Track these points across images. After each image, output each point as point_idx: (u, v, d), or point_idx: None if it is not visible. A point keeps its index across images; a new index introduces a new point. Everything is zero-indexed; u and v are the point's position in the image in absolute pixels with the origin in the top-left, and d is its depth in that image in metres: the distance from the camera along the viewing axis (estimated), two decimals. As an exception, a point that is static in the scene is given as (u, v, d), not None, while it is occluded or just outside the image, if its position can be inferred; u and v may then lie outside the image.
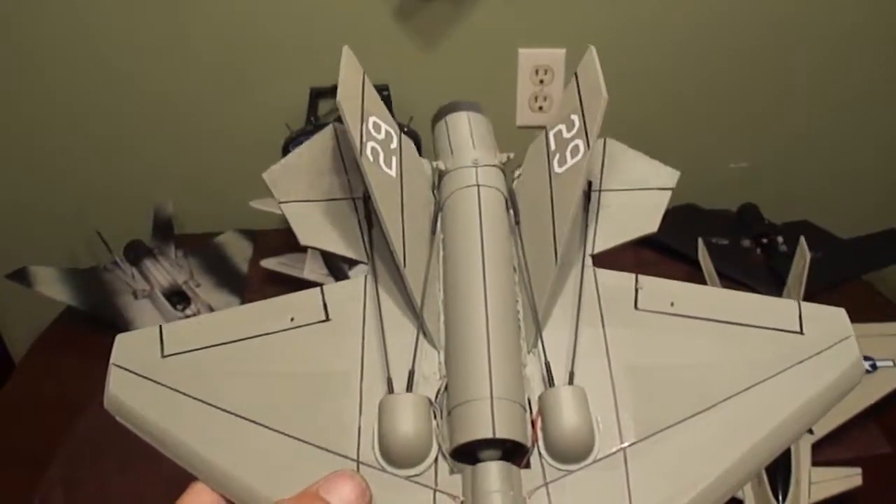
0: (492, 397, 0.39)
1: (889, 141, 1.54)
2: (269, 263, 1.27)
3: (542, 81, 1.39)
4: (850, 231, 1.40)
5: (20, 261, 1.25)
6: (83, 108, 1.39)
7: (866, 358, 1.05)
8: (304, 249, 1.24)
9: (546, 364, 0.43)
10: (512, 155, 0.54)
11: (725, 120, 1.47)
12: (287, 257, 1.27)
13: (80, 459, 1.01)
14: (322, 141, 0.55)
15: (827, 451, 0.95)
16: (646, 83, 1.38)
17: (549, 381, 0.42)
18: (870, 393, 1.00)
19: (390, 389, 0.42)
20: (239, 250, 1.38)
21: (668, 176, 0.54)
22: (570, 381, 0.42)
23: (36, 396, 1.14)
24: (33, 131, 1.42)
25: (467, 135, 0.55)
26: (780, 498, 0.88)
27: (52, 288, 1.23)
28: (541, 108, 1.41)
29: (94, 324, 1.19)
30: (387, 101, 1.28)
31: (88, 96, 1.38)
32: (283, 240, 1.34)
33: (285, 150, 1.35)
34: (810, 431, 0.95)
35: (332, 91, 1.36)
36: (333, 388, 0.42)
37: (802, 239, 1.15)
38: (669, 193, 0.53)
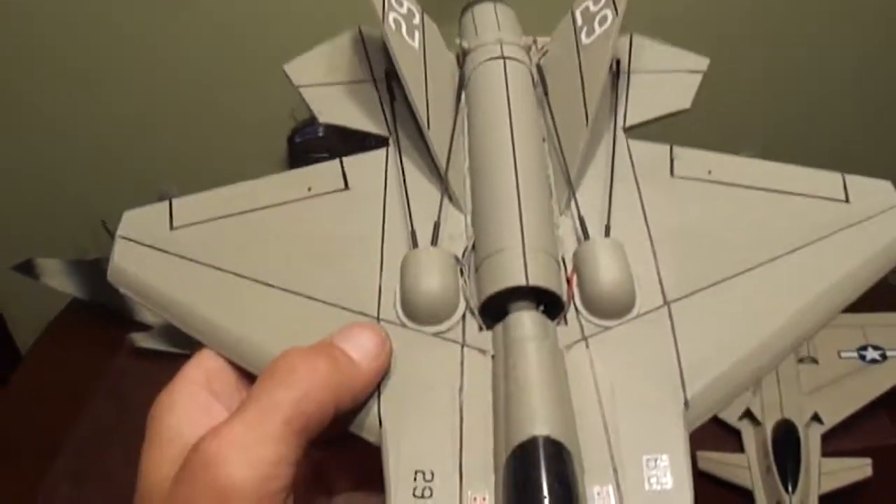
0: (524, 246, 0.37)
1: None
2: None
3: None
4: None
5: (26, 252, 1.24)
6: (87, 98, 1.39)
7: (876, 348, 1.04)
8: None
9: (580, 219, 0.40)
10: (537, 39, 0.53)
11: (737, 106, 1.46)
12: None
13: (86, 452, 1.01)
14: (345, 36, 0.55)
15: (837, 441, 0.95)
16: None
17: (585, 235, 0.40)
18: (880, 383, 1.00)
19: (414, 245, 0.40)
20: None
21: (699, 61, 0.53)
22: (607, 235, 0.40)
23: (42, 388, 1.14)
24: (36, 121, 1.41)
25: (493, 20, 0.54)
26: (790, 488, 0.88)
27: (58, 279, 1.22)
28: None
29: (100, 315, 1.19)
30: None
31: (92, 85, 1.38)
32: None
33: (290, 141, 1.35)
34: (820, 421, 0.95)
35: (337, 81, 1.35)
36: (352, 250, 0.40)
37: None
38: (700, 76, 0.52)
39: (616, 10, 0.46)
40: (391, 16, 0.46)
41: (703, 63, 0.53)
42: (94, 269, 1.26)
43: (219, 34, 1.34)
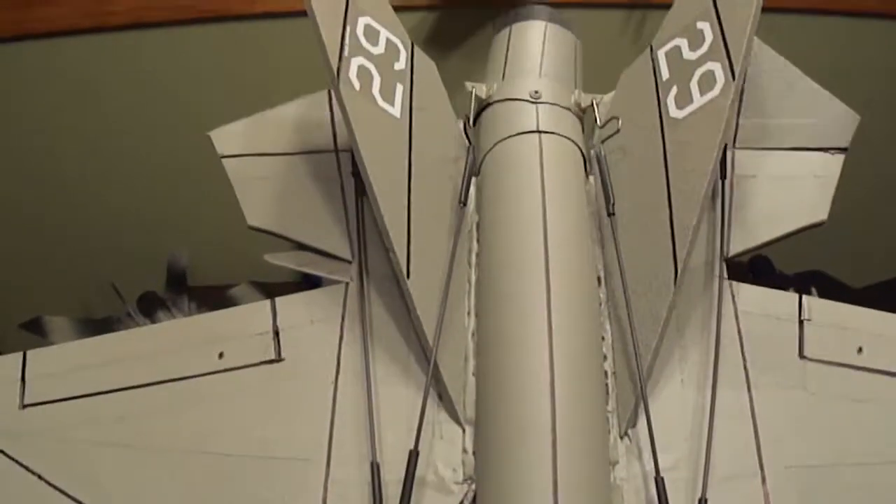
0: None
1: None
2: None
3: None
4: (863, 279, 1.39)
5: (34, 310, 1.25)
6: (99, 160, 1.40)
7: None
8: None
9: (658, 478, 0.25)
10: (601, 98, 0.34)
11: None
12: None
13: None
14: (313, 98, 0.37)
15: None
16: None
17: (661, 499, 0.26)
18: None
19: (377, 496, 0.25)
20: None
21: (841, 125, 0.35)
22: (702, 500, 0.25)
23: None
24: (51, 181, 1.43)
25: (536, 53, 0.35)
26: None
27: (66, 338, 1.22)
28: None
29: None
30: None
31: (103, 148, 1.39)
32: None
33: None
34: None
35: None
36: (278, 483, 0.26)
37: (814, 291, 1.15)
38: (842, 158, 0.35)
39: (732, 69, 0.29)
40: (353, 65, 0.29)
41: (849, 128, 0.34)
42: (101, 329, 1.26)
43: (226, 99, 1.36)
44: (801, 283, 1.32)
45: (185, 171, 1.43)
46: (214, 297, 1.38)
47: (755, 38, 0.32)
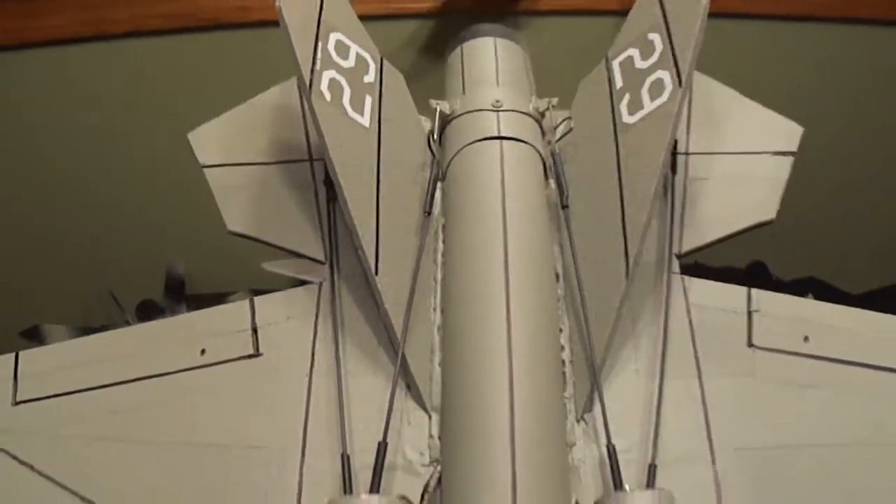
0: (514, 496, 0.25)
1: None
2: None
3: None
4: (859, 285, 1.39)
5: (34, 318, 1.25)
6: (98, 166, 1.41)
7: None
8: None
9: (610, 451, 0.27)
10: (556, 101, 0.37)
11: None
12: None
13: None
14: (282, 91, 0.38)
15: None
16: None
17: (615, 479, 0.27)
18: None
19: (347, 486, 0.27)
20: (250, 310, 1.37)
21: (787, 133, 0.37)
22: (651, 481, 0.27)
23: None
24: (50, 189, 1.43)
25: (490, 68, 0.37)
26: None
27: (65, 347, 1.23)
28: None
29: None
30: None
31: (102, 155, 1.40)
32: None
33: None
34: None
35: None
36: (257, 470, 0.28)
37: (810, 297, 1.15)
38: (790, 161, 0.37)
39: (679, 77, 0.31)
40: (325, 78, 0.32)
41: (793, 137, 0.36)
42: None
43: (223, 103, 1.36)
44: (798, 289, 1.32)
45: (184, 179, 1.43)
46: (213, 305, 1.38)
47: (705, 75, 0.37)
